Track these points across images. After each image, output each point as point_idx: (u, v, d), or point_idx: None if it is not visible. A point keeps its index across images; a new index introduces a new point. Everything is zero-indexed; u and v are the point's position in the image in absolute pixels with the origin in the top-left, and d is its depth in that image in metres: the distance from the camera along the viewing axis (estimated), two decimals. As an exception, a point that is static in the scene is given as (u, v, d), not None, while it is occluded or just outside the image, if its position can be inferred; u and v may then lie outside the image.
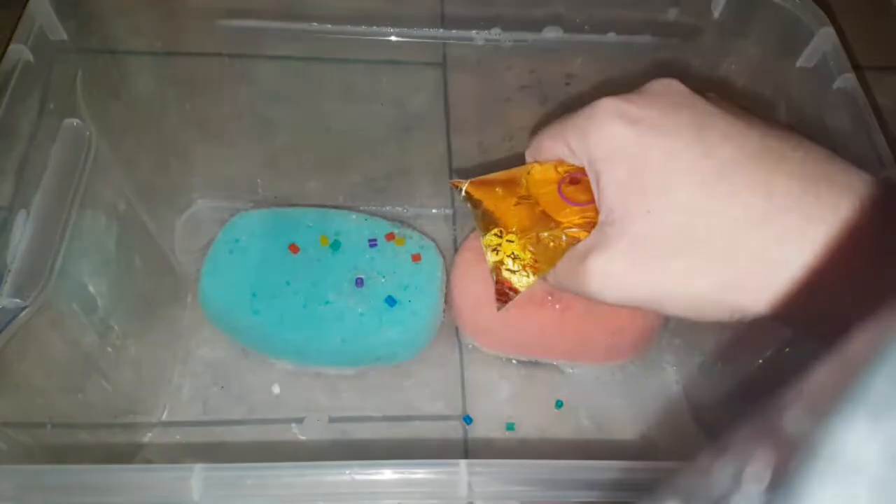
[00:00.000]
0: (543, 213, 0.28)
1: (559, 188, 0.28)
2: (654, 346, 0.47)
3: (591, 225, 0.26)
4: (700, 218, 0.23)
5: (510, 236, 0.28)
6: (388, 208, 0.51)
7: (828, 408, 0.09)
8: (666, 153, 0.23)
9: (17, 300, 0.30)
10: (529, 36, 0.40)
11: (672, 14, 0.40)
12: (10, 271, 0.30)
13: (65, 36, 0.35)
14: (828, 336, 0.23)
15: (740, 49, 0.40)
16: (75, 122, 0.35)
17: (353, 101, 0.45)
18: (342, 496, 0.25)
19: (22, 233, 0.31)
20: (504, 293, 0.28)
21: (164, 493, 0.24)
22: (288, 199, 0.50)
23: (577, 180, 0.28)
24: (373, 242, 0.45)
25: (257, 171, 0.50)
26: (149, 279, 0.44)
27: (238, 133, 0.48)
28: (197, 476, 0.24)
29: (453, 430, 0.44)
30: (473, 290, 0.44)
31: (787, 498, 0.08)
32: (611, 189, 0.24)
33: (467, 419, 0.44)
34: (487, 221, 0.29)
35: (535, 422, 0.45)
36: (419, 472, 0.25)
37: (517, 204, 0.29)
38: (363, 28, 0.40)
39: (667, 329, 0.47)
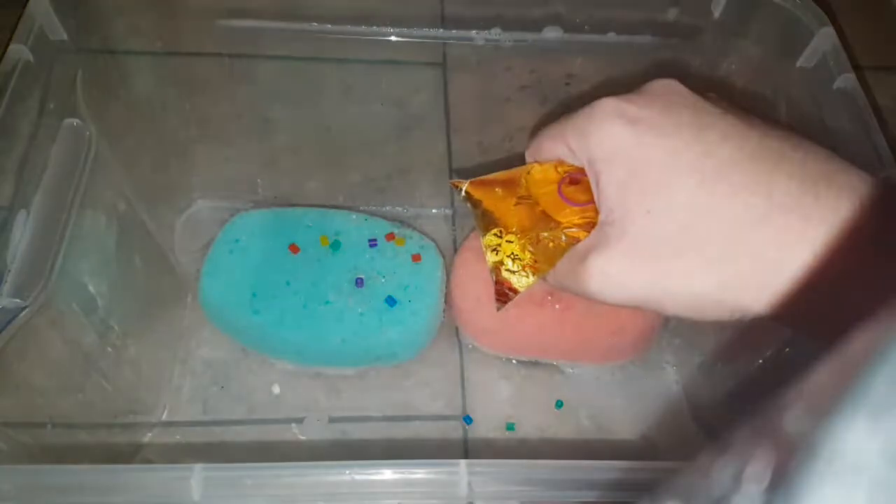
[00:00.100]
0: (543, 213, 0.28)
1: (559, 188, 0.28)
2: (654, 346, 0.47)
3: (590, 225, 0.26)
4: (700, 218, 0.23)
5: (510, 236, 0.28)
6: (388, 208, 0.51)
7: (828, 408, 0.09)
8: (666, 153, 0.23)
9: (17, 300, 0.30)
10: (529, 36, 0.40)
11: (672, 14, 0.40)
12: (10, 271, 0.30)
13: (65, 36, 0.35)
14: (828, 336, 0.23)
15: (740, 49, 0.40)
16: (75, 122, 0.35)
17: (353, 101, 0.45)
18: (342, 496, 0.25)
19: (22, 233, 0.31)
20: (504, 293, 0.28)
21: (164, 493, 0.24)
22: (288, 199, 0.50)
23: (576, 180, 0.28)
24: (373, 242, 0.45)
25: (257, 170, 0.50)
26: (149, 279, 0.44)
27: (238, 133, 0.48)
28: (197, 476, 0.24)
29: (453, 430, 0.44)
30: (473, 290, 0.44)
31: (787, 498, 0.08)
32: (610, 189, 0.24)
33: (467, 419, 0.44)
34: (487, 221, 0.29)
35: (535, 422, 0.45)
36: (419, 472, 0.25)
37: (517, 204, 0.29)
38: (363, 28, 0.40)
39: (667, 329, 0.47)
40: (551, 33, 0.40)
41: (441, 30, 0.40)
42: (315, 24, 0.39)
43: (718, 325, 0.43)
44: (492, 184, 0.29)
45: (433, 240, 0.47)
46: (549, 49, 0.41)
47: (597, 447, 0.44)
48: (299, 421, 0.43)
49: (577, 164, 0.27)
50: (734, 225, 0.23)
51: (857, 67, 0.35)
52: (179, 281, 0.47)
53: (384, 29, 0.40)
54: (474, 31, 0.40)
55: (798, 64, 0.37)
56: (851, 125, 0.33)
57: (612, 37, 0.40)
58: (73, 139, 0.35)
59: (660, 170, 0.23)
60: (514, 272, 0.27)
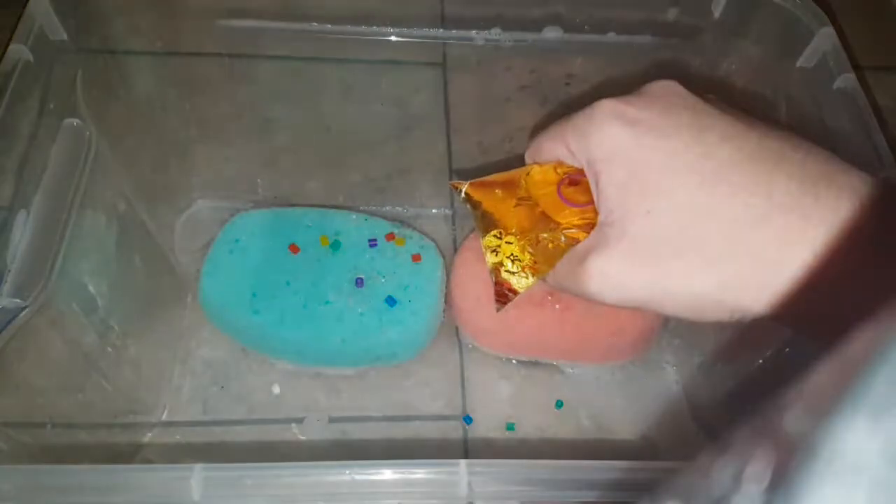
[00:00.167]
0: (543, 214, 0.28)
1: (558, 189, 0.28)
2: (654, 346, 0.47)
3: (590, 226, 0.26)
4: (699, 218, 0.23)
5: (509, 238, 0.28)
6: (388, 208, 0.51)
7: (828, 408, 0.09)
8: (665, 154, 0.23)
9: (17, 300, 0.30)
10: (529, 36, 0.40)
11: (672, 14, 0.40)
12: (10, 271, 0.30)
13: (65, 36, 0.35)
14: (828, 336, 0.23)
15: (740, 49, 0.40)
16: (75, 122, 0.35)
17: (353, 101, 0.45)
18: (342, 496, 0.25)
19: (22, 233, 0.31)
20: (503, 294, 0.28)
21: (164, 493, 0.24)
22: (288, 199, 0.50)
23: (576, 181, 0.28)
24: (373, 242, 0.45)
25: (257, 170, 0.50)
26: (149, 279, 0.44)
27: (238, 133, 0.48)
28: (197, 476, 0.24)
29: (453, 430, 0.44)
30: (473, 290, 0.44)
31: (787, 498, 0.08)
32: (610, 190, 0.24)
33: (467, 419, 0.44)
34: (487, 223, 0.29)
35: (535, 422, 0.45)
36: (419, 472, 0.25)
37: (516, 205, 0.29)
38: (363, 28, 0.40)
39: (667, 329, 0.47)
40: (551, 33, 0.40)
41: (441, 30, 0.40)
42: (315, 24, 0.39)
43: (718, 326, 0.43)
44: (491, 185, 0.30)
45: (433, 240, 0.47)
46: (549, 49, 0.41)
47: (597, 447, 0.44)
48: (299, 421, 0.43)
49: (576, 165, 0.27)
50: (734, 225, 0.23)
51: (857, 67, 0.35)
52: (179, 281, 0.47)
53: (384, 29, 0.40)
54: (474, 31, 0.40)
55: (798, 64, 0.37)
56: (851, 125, 0.33)
57: (612, 37, 0.40)
58: (73, 139, 0.35)
59: (659, 171, 0.23)
60: (513, 273, 0.28)
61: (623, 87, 0.26)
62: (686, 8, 0.39)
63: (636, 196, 0.24)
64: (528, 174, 0.29)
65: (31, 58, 0.33)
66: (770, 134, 0.24)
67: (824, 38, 0.35)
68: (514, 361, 0.46)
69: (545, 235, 0.27)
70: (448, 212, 0.52)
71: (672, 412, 0.46)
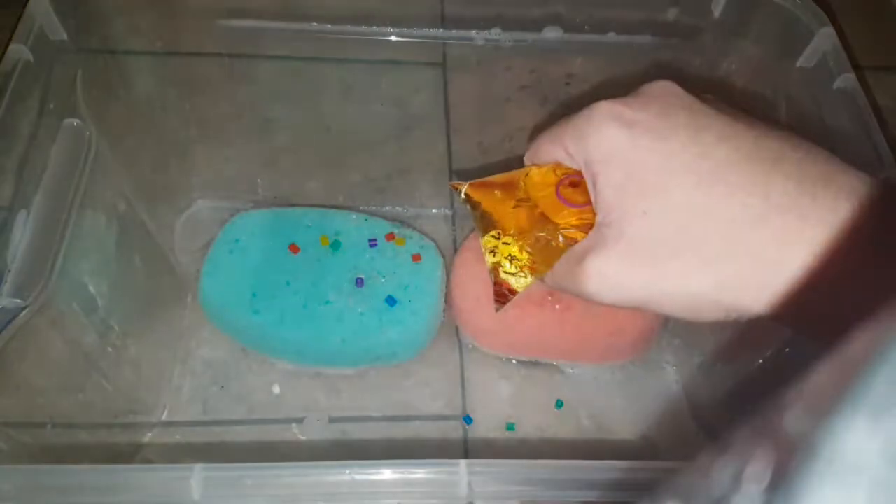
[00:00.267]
0: (542, 215, 0.28)
1: (557, 190, 0.28)
2: (653, 345, 0.47)
3: (588, 226, 0.26)
4: (697, 218, 0.23)
5: (508, 238, 0.28)
6: (388, 208, 0.51)
7: (828, 408, 0.09)
8: (662, 155, 0.23)
9: (18, 300, 0.30)
10: (529, 36, 0.40)
11: (672, 14, 0.40)
12: (10, 271, 0.30)
13: (65, 36, 0.35)
14: (828, 336, 0.23)
15: (740, 49, 0.40)
16: (75, 122, 0.35)
17: (353, 101, 0.45)
18: (342, 496, 0.25)
19: (22, 233, 0.31)
20: (502, 294, 0.28)
21: (165, 493, 0.24)
22: (288, 199, 0.50)
23: (575, 183, 0.28)
24: (373, 242, 0.45)
25: (257, 171, 0.50)
26: (149, 279, 0.44)
27: (238, 133, 0.48)
28: (197, 476, 0.24)
29: (453, 430, 0.44)
30: (473, 290, 0.44)
31: (787, 498, 0.08)
32: (607, 191, 0.25)
33: (467, 419, 0.44)
34: (486, 223, 0.29)
35: (535, 422, 0.45)
36: (419, 472, 0.25)
37: (515, 206, 0.29)
38: (363, 28, 0.40)
39: (667, 329, 0.47)
40: (551, 33, 0.40)
41: (441, 30, 0.40)
42: (315, 24, 0.39)
43: (718, 326, 0.43)
44: (491, 186, 0.30)
45: (433, 240, 0.47)
46: (549, 49, 0.41)
47: (597, 447, 0.44)
48: (299, 421, 0.43)
49: (574, 166, 0.27)
50: (731, 225, 0.23)
51: (857, 67, 0.35)
52: (179, 281, 0.47)
53: (384, 29, 0.40)
54: (474, 31, 0.40)
55: (798, 64, 0.36)
56: (851, 125, 0.33)
57: (612, 37, 0.40)
58: (73, 139, 0.35)
59: (656, 172, 0.23)
60: (512, 273, 0.28)
61: (623, 87, 0.26)
62: (686, 8, 0.39)
63: (633, 197, 0.24)
64: (526, 175, 0.29)
65: (31, 58, 0.33)
66: (768, 134, 0.24)
67: (824, 38, 0.35)
68: (514, 361, 0.46)
69: (543, 235, 0.27)
70: (448, 212, 0.52)
71: (672, 412, 0.46)
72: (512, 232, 0.28)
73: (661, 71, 0.41)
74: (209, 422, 0.43)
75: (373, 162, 0.49)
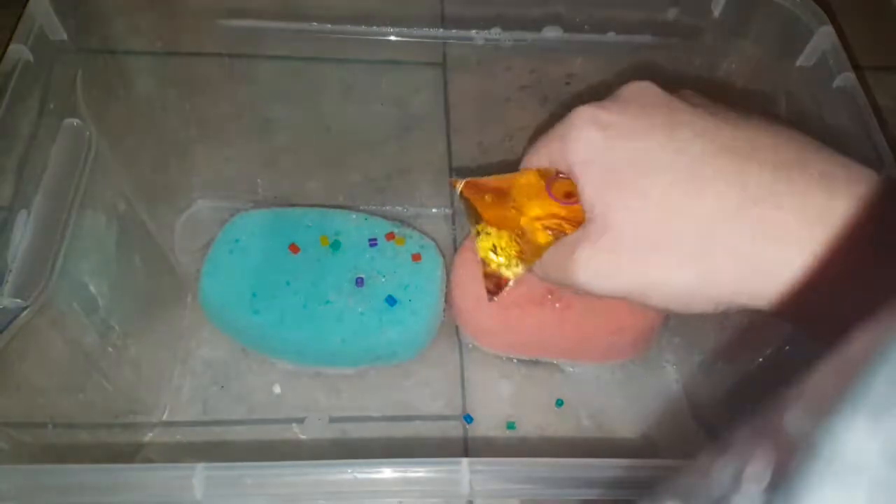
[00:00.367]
0: (533, 209, 0.29)
1: (548, 187, 0.29)
2: (654, 344, 0.47)
3: (577, 220, 0.27)
4: (675, 214, 0.24)
5: (500, 231, 0.29)
6: (388, 208, 0.51)
7: (828, 408, 0.09)
8: (638, 155, 0.24)
9: (18, 300, 0.30)
10: (529, 36, 0.40)
11: (672, 14, 0.40)
12: (10, 271, 0.30)
13: (65, 36, 0.35)
14: (818, 327, 0.23)
15: (740, 48, 0.40)
16: (75, 122, 0.35)
17: (353, 101, 0.45)
18: (344, 495, 0.25)
19: (22, 233, 0.31)
20: (495, 284, 0.29)
21: (167, 493, 0.25)
22: (288, 199, 0.50)
23: (565, 182, 0.29)
24: (373, 242, 0.45)
25: (257, 171, 0.50)
26: (149, 279, 0.44)
27: (238, 133, 0.48)
28: (199, 475, 0.24)
29: (453, 430, 0.44)
30: (473, 290, 0.44)
31: (787, 498, 0.08)
32: (589, 189, 0.26)
33: (468, 418, 0.44)
34: (478, 217, 0.30)
35: (536, 421, 0.45)
36: (421, 471, 0.25)
37: (508, 201, 0.30)
38: (363, 28, 0.40)
39: (667, 328, 0.47)
40: (551, 33, 0.40)
41: (441, 30, 0.40)
42: (315, 24, 0.39)
43: (718, 325, 0.43)
44: (486, 184, 0.31)
45: (433, 239, 0.47)
46: (549, 49, 0.41)
47: (597, 446, 0.44)
48: (300, 421, 0.43)
49: (563, 169, 0.28)
50: (709, 220, 0.23)
51: (857, 67, 0.35)
52: (179, 281, 0.47)
53: (384, 29, 0.40)
54: (474, 31, 0.40)
55: (798, 63, 0.37)
56: (851, 124, 0.33)
57: (611, 36, 0.40)
58: (73, 139, 0.35)
59: (634, 171, 0.24)
60: (502, 264, 0.29)
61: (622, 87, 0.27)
62: (686, 7, 0.40)
63: (613, 195, 0.25)
64: (522, 175, 0.30)
65: (31, 58, 0.33)
66: (743, 124, 0.24)
67: (824, 37, 0.35)
68: (514, 361, 0.46)
69: (533, 227, 0.28)
70: (448, 211, 0.52)
71: (672, 411, 0.46)
72: (504, 224, 0.29)
73: (639, 72, 0.41)
74: (209, 422, 0.43)
75: (373, 162, 0.49)
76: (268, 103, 0.46)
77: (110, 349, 0.39)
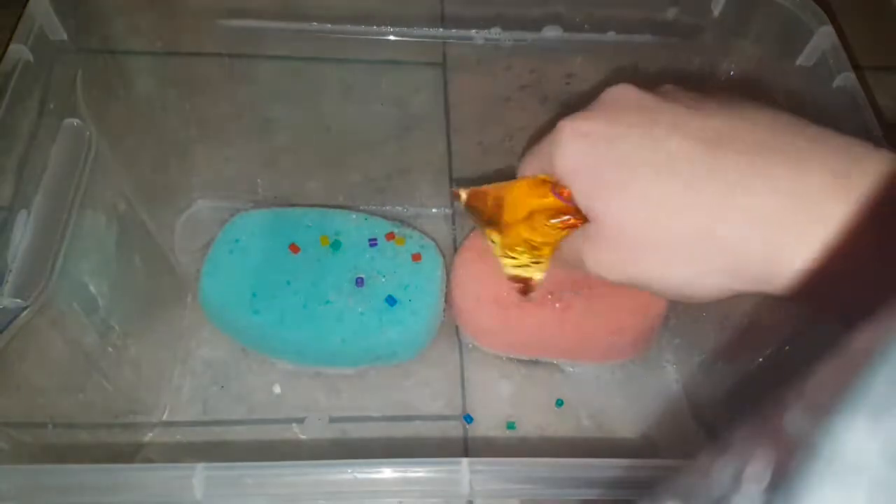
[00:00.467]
0: (540, 209, 0.29)
1: (552, 188, 0.29)
2: (654, 345, 0.47)
3: (584, 217, 0.28)
4: (660, 211, 0.24)
5: (511, 234, 0.30)
6: (388, 208, 0.51)
7: (828, 408, 0.09)
8: (619, 157, 0.25)
9: (18, 300, 0.30)
10: (529, 35, 0.40)
11: (672, 13, 0.40)
12: (10, 271, 0.30)
13: (65, 36, 0.35)
14: (824, 306, 0.23)
15: (740, 48, 0.40)
16: (75, 122, 0.35)
17: (353, 101, 0.45)
18: (344, 495, 0.25)
19: (22, 233, 0.31)
20: (523, 285, 0.31)
21: (167, 493, 0.25)
22: (288, 199, 0.50)
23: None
24: (373, 242, 0.45)
25: (257, 171, 0.50)
26: (149, 279, 0.44)
27: (238, 133, 0.48)
28: (199, 475, 0.24)
29: (453, 430, 0.44)
30: (473, 290, 0.44)
31: (787, 498, 0.08)
32: (580, 196, 0.27)
33: (468, 418, 0.44)
34: (487, 224, 0.31)
35: (536, 420, 0.45)
36: (421, 471, 0.25)
37: (514, 206, 0.30)
38: (363, 28, 0.40)
39: (667, 328, 0.47)
40: (551, 33, 0.40)
41: (441, 29, 0.40)
42: (315, 24, 0.39)
43: (718, 325, 0.43)
44: (488, 192, 0.31)
45: (433, 239, 0.47)
46: (549, 48, 0.41)
47: (597, 446, 0.44)
48: (300, 421, 0.43)
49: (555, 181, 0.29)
50: (692, 214, 0.23)
51: (857, 67, 0.35)
52: (179, 281, 0.47)
53: (384, 29, 0.40)
54: (474, 31, 0.40)
55: (798, 62, 0.37)
56: (851, 124, 0.33)
57: (611, 36, 0.40)
58: (73, 139, 0.35)
59: (616, 173, 0.25)
60: (521, 264, 0.30)
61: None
62: (686, 7, 0.40)
63: (603, 198, 0.26)
64: (521, 179, 0.30)
65: (31, 58, 0.33)
66: (722, 113, 0.24)
67: (823, 37, 0.35)
68: (514, 361, 0.46)
69: (545, 225, 0.29)
70: (448, 211, 0.52)
71: (672, 411, 0.46)
72: (512, 227, 0.30)
73: (618, 75, 0.41)
74: (209, 422, 0.43)
75: (373, 162, 0.49)
76: (268, 103, 0.46)
77: (110, 349, 0.39)
